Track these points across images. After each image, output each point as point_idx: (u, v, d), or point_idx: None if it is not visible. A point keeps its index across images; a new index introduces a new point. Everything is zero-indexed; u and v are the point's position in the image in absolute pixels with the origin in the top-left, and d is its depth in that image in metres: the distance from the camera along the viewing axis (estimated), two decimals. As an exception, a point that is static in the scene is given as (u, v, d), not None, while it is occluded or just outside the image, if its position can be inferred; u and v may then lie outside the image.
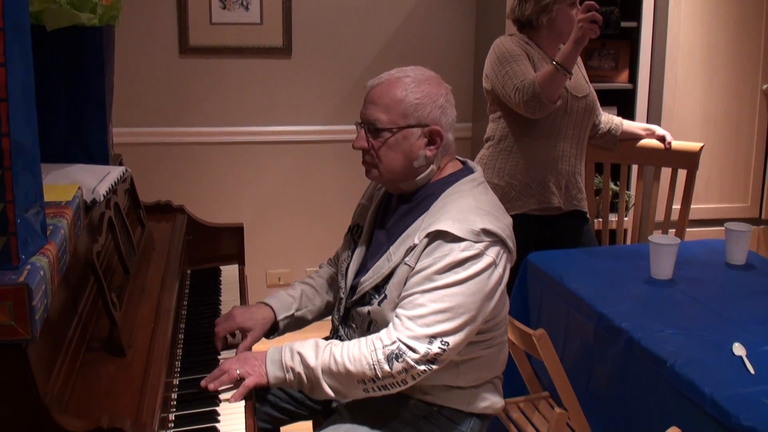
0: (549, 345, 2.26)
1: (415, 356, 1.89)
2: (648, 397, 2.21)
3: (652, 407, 2.20)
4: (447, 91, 2.09)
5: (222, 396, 1.93)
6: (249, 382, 1.96)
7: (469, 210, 1.98)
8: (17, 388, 1.38)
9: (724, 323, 2.40)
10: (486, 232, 1.95)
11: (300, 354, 1.98)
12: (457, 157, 2.19)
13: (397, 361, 1.90)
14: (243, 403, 1.92)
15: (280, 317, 2.29)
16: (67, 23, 2.22)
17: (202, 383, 1.96)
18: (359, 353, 1.93)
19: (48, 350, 1.50)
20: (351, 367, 1.92)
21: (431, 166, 2.07)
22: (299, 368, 1.97)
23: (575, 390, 2.36)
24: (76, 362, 1.65)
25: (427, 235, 1.97)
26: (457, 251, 1.92)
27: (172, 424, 1.80)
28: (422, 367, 1.91)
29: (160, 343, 1.84)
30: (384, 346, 1.92)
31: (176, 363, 2.07)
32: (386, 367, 1.90)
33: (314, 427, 2.44)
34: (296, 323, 2.35)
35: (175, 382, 1.98)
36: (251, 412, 1.90)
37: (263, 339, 2.29)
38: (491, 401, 2.14)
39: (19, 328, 1.35)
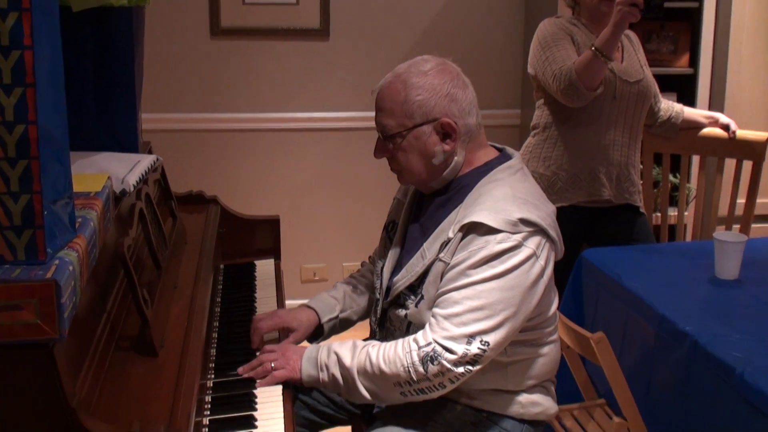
0: (608, 349, 2.22)
1: (453, 357, 1.88)
2: (714, 407, 2.17)
3: (718, 418, 2.15)
4: (453, 76, 2.05)
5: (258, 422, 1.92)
6: (279, 374, 2.00)
7: (505, 199, 1.96)
8: (43, 391, 1.38)
9: (797, 328, 2.35)
10: (524, 221, 1.93)
11: (336, 353, 1.99)
12: (493, 144, 2.17)
13: (432, 363, 1.88)
14: (281, 406, 1.91)
15: (324, 320, 2.30)
16: (94, 4, 2.21)
17: (239, 369, 2.03)
18: (394, 354, 1.93)
19: (75, 350, 1.50)
20: (386, 368, 1.92)
21: (455, 159, 2.05)
22: (334, 368, 1.98)
23: (633, 398, 2.32)
24: (104, 363, 1.64)
25: (461, 228, 1.95)
26: (492, 243, 1.90)
27: (207, 429, 1.79)
28: (460, 369, 1.89)
29: (194, 343, 1.83)
30: (419, 348, 1.90)
31: (210, 364, 2.06)
32: (421, 370, 1.89)
33: (354, 432, 2.43)
34: (341, 325, 2.35)
35: (209, 384, 1.97)
36: (291, 418, 1.88)
37: (306, 343, 2.29)
38: (544, 406, 2.11)
39: (46, 327, 1.34)
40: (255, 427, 1.81)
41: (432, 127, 2.01)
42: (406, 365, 1.90)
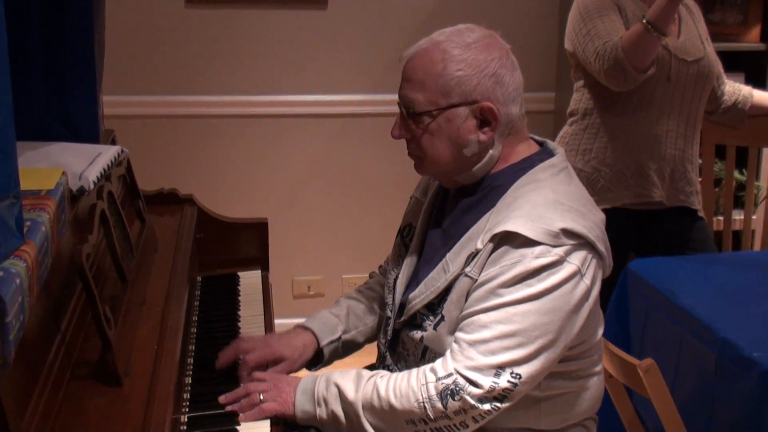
0: (659, 379, 2.21)
1: (478, 392, 1.87)
2: (788, 449, 2.16)
3: (792, 462, 2.15)
4: (503, 54, 2.04)
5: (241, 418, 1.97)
6: (268, 407, 1.99)
7: (545, 205, 1.95)
8: (-15, 427, 1.37)
9: None
10: (567, 233, 1.91)
11: (337, 385, 1.97)
12: (533, 136, 2.15)
13: (453, 398, 1.87)
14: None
15: (323, 342, 2.28)
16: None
17: (221, 398, 2.02)
18: (407, 387, 1.91)
19: (23, 379, 1.49)
20: (396, 403, 1.91)
21: (490, 152, 2.04)
22: (334, 403, 1.97)
23: (691, 437, 2.32)
24: (57, 394, 1.63)
25: (492, 238, 1.94)
26: (529, 258, 1.89)
27: (179, 474, 1.79)
28: (486, 407, 1.88)
29: (166, 371, 1.82)
30: (437, 379, 1.89)
31: (184, 395, 2.06)
32: (439, 406, 1.88)
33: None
34: (345, 348, 2.34)
35: (183, 419, 1.96)
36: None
37: (304, 370, 2.28)
38: (583, 449, 2.11)
39: (-12, 352, 1.34)
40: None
41: (470, 110, 1.99)
42: (421, 400, 1.89)
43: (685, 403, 2.49)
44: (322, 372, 2.05)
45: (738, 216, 3.93)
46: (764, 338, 2.43)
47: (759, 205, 3.95)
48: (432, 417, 1.89)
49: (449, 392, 1.87)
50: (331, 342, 2.30)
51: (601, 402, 2.17)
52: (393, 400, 1.91)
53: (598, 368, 2.13)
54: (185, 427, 1.94)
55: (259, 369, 2.19)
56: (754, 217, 3.84)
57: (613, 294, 2.97)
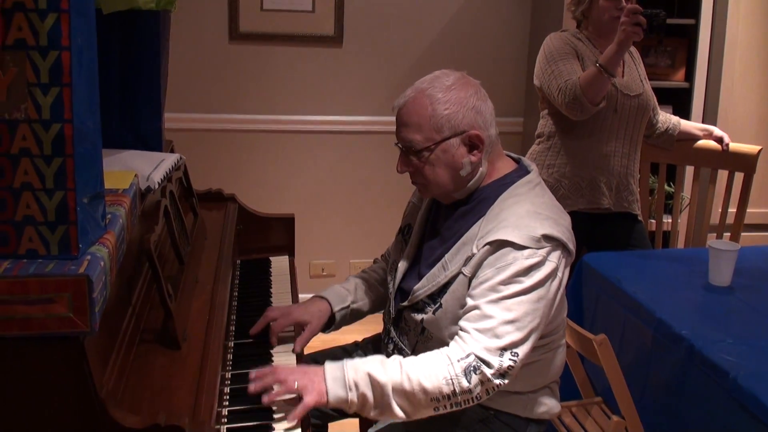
0: (610, 351, 2.19)
1: (490, 370, 1.82)
2: (708, 409, 2.14)
3: (712, 420, 2.13)
4: (476, 89, 2.00)
5: (276, 415, 1.80)
6: (309, 401, 1.79)
7: (528, 216, 1.92)
8: (74, 382, 1.36)
9: (788, 334, 2.32)
10: (547, 237, 1.89)
11: (365, 371, 1.83)
12: (510, 154, 2.12)
13: (475, 373, 1.81)
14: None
15: (336, 309, 2.24)
16: (123, 7, 2.18)
17: (264, 399, 1.80)
18: (433, 369, 1.83)
19: (104, 342, 1.47)
20: (427, 383, 1.81)
21: (480, 170, 2.01)
22: (365, 387, 1.82)
23: (630, 397, 2.30)
24: (130, 355, 1.62)
25: (487, 245, 1.90)
26: (520, 260, 1.86)
27: (226, 419, 1.76)
28: (497, 381, 1.83)
29: (215, 338, 1.80)
30: (459, 360, 1.82)
31: (228, 356, 2.03)
32: (464, 382, 1.81)
33: (361, 426, 2.39)
34: (352, 315, 2.30)
35: (228, 375, 1.94)
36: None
37: (320, 334, 2.24)
38: (548, 406, 2.08)
39: (78, 321, 1.32)
40: (272, 418, 1.78)
41: (460, 139, 1.96)
42: (449, 377, 1.81)
43: (627, 369, 2.46)
44: (345, 361, 1.88)
45: (667, 219, 3.91)
46: (690, 319, 2.41)
47: (683, 212, 3.93)
48: (457, 392, 1.81)
49: (471, 369, 1.81)
50: (342, 309, 2.25)
51: (563, 368, 2.15)
52: (423, 381, 1.81)
53: (562, 342, 2.10)
54: (229, 381, 1.92)
55: (283, 333, 2.15)
56: (679, 220, 3.81)
57: (571, 281, 2.94)
